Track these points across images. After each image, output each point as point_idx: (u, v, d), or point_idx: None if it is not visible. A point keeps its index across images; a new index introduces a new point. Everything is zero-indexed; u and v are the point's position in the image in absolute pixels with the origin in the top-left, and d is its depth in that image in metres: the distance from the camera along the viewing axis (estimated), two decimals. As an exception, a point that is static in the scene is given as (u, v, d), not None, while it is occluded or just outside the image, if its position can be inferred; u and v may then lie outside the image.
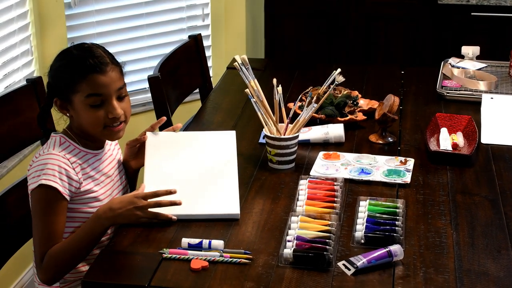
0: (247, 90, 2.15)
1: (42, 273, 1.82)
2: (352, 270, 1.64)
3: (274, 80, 2.16)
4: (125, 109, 1.91)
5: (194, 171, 1.99)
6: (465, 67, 2.83)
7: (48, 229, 1.81)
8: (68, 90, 1.85)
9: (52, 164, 1.83)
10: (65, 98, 1.87)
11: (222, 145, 2.06)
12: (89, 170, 1.91)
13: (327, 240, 1.72)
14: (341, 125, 2.32)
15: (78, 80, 1.83)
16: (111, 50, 1.93)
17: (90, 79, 1.83)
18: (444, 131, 2.32)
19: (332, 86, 2.18)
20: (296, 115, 2.21)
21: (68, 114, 1.91)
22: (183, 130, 2.28)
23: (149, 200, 1.83)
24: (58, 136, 1.91)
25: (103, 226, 1.82)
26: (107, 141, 2.01)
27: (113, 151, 2.04)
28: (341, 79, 2.15)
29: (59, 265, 1.81)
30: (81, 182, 1.87)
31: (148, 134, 2.06)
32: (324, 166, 2.13)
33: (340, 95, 2.49)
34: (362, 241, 1.75)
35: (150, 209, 1.82)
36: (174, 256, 1.70)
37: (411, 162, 2.14)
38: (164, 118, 2.10)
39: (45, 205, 1.82)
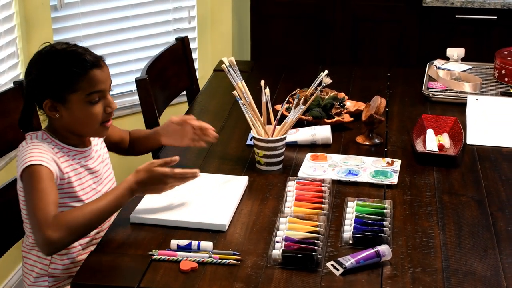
0: (234, 92, 2.16)
1: (52, 231, 1.68)
2: (341, 270, 1.65)
3: (262, 82, 2.16)
4: None
5: (197, 189, 1.98)
6: (450, 69, 2.85)
7: (45, 197, 1.72)
8: (66, 89, 1.80)
9: (37, 149, 1.80)
10: (60, 98, 1.81)
11: (233, 182, 2.04)
12: (73, 163, 1.88)
13: (315, 241, 1.73)
14: (328, 126, 2.33)
15: (79, 78, 1.80)
16: (98, 52, 1.93)
17: (91, 75, 1.80)
18: (430, 132, 2.33)
19: (319, 88, 2.18)
20: (283, 117, 2.22)
21: (57, 115, 1.84)
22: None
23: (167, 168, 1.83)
24: (40, 132, 1.87)
25: (129, 198, 1.81)
26: (93, 138, 1.98)
27: (99, 147, 2.00)
28: (328, 81, 2.16)
29: (73, 225, 1.71)
30: (65, 172, 1.84)
31: None
32: (311, 167, 2.14)
33: (327, 96, 2.50)
34: (350, 241, 1.76)
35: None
36: (163, 257, 1.70)
37: (398, 163, 2.16)
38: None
39: (36, 180, 1.75)
